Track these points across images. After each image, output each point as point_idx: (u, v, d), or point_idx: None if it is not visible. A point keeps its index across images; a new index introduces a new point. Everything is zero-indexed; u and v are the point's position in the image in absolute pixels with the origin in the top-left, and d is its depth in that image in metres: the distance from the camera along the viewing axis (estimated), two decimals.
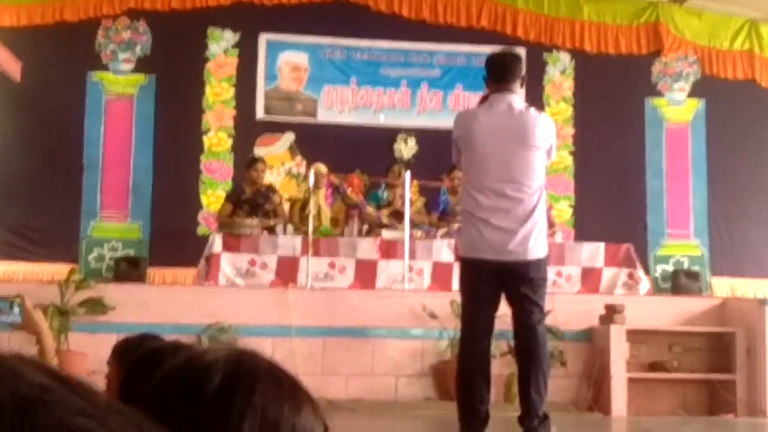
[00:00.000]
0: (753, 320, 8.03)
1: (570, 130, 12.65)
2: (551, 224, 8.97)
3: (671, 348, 8.20)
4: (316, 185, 10.10)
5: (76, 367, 7.52)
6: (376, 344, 8.11)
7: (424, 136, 12.29)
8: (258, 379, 1.18)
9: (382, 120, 12.44)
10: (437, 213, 10.56)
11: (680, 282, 11.58)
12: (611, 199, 12.33)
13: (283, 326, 8.00)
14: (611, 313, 8.08)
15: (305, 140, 12.21)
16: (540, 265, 5.62)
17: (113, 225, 11.81)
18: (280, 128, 12.31)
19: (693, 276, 11.80)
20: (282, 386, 1.20)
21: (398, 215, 9.92)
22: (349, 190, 10.55)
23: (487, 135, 5.60)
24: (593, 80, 12.74)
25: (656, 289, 11.66)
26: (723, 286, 12.18)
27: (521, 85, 5.83)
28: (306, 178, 10.66)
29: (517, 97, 5.74)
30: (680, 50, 12.92)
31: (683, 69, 12.95)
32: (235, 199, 10.47)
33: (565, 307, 8.11)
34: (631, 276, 9.66)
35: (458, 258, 6.10)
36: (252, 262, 9.24)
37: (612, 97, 12.66)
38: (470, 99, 12.11)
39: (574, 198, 12.58)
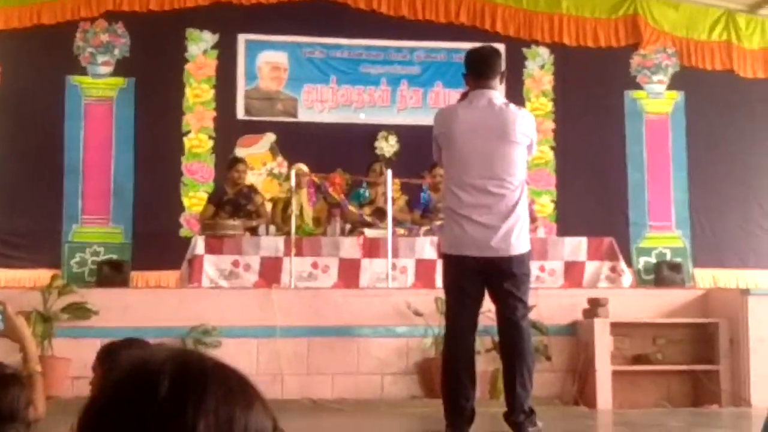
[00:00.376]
0: (735, 310, 8.06)
1: (550, 125, 12.68)
2: (533, 219, 8.98)
3: (655, 340, 8.22)
4: (298, 185, 10.09)
5: (60, 373, 7.50)
6: (361, 343, 8.10)
7: (404, 133, 12.29)
8: (207, 380, 1.18)
9: (363, 118, 12.43)
10: (419, 210, 10.56)
11: (663, 274, 11.62)
12: (593, 193, 12.36)
13: (267, 327, 7.99)
14: (595, 306, 8.09)
15: (286, 140, 12.19)
16: (523, 260, 5.64)
17: (95, 229, 11.76)
18: (260, 128, 12.29)
19: (675, 268, 11.84)
20: (232, 385, 1.19)
21: (380, 213, 9.91)
22: (330, 190, 10.54)
23: (467, 132, 5.60)
24: (573, 74, 12.77)
25: (639, 282, 11.70)
26: (705, 277, 12.24)
27: (501, 81, 5.85)
28: (288, 178, 10.65)
29: (497, 93, 5.76)
30: (659, 42, 12.96)
31: (662, 61, 12.98)
32: (217, 200, 10.45)
33: (549, 301, 8.14)
34: (613, 269, 9.69)
35: (441, 255, 6.10)
36: (235, 264, 9.23)
37: (592, 91, 12.69)
38: (450, 96, 12.11)
39: (556, 192, 12.60)
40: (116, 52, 12.07)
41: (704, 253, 12.50)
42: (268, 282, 9.03)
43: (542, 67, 12.87)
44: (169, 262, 10.58)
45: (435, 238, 9.37)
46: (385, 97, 12.60)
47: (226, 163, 10.98)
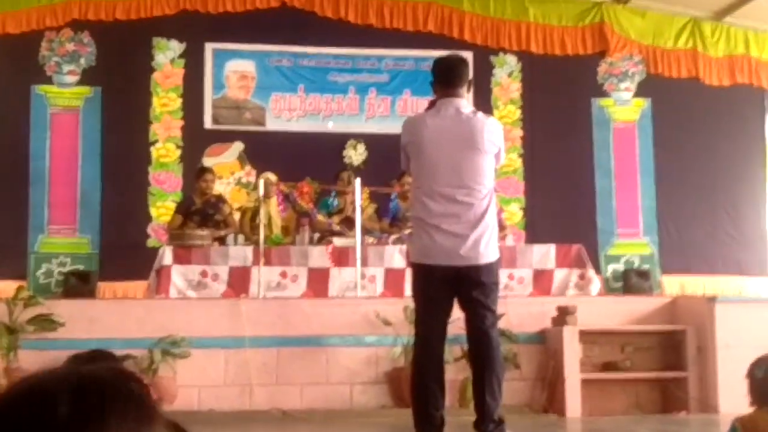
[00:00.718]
0: (702, 318, 8.09)
1: (519, 132, 12.71)
2: (502, 227, 8.99)
3: (623, 348, 8.24)
4: (266, 194, 10.04)
5: None
6: (330, 353, 8.06)
7: (373, 141, 12.28)
8: (106, 398, 1.13)
9: (331, 127, 12.41)
10: (388, 219, 10.55)
11: (631, 281, 11.67)
12: (561, 200, 12.39)
13: (236, 337, 7.94)
14: (563, 314, 8.10)
15: (254, 149, 12.16)
16: (492, 268, 5.63)
17: (61, 239, 11.67)
18: (228, 137, 12.24)
19: (643, 275, 11.89)
20: (132, 401, 1.15)
21: (349, 222, 9.90)
22: (299, 199, 10.50)
23: (435, 140, 5.60)
24: (540, 82, 12.81)
25: (608, 289, 11.74)
26: (673, 284, 12.29)
27: (468, 89, 5.85)
28: (256, 187, 10.61)
29: (465, 101, 5.77)
30: (625, 50, 13.02)
31: (629, 69, 13.05)
32: (184, 210, 10.39)
33: (518, 309, 8.14)
34: (582, 276, 9.71)
35: (410, 264, 6.09)
36: (203, 274, 9.18)
37: (559, 98, 12.74)
38: (418, 104, 12.12)
39: (525, 200, 12.64)
40: (82, 61, 11.99)
41: (672, 259, 12.56)
42: (236, 292, 8.99)
43: (510, 74, 12.90)
44: (136, 272, 10.51)
45: (404, 247, 9.36)
46: (353, 105, 12.59)
47: (194, 172, 10.92)
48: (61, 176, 11.76)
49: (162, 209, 11.77)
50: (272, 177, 10.39)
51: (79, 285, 10.62)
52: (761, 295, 11.82)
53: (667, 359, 8.29)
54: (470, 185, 5.56)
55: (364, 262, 9.25)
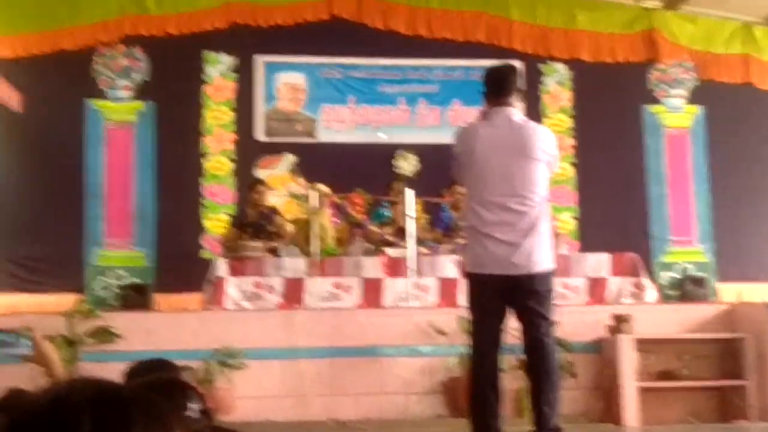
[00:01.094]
0: (762, 325, 8.01)
1: (570, 141, 12.65)
2: (555, 236, 8.95)
3: (680, 356, 8.17)
4: (319, 205, 10.08)
5: None
6: (384, 363, 8.08)
7: (423, 152, 12.29)
8: (129, 412, 1.13)
9: (382, 137, 12.44)
10: (441, 229, 10.54)
11: (687, 289, 11.54)
12: (614, 209, 12.32)
13: (291, 348, 7.99)
14: (619, 323, 8.06)
15: (306, 161, 12.21)
16: (546, 277, 5.61)
17: (118, 253, 11.79)
18: (280, 149, 12.31)
19: (699, 282, 11.75)
20: (153, 413, 1.15)
21: (402, 232, 9.90)
22: (351, 210, 10.53)
23: (488, 149, 5.60)
24: (591, 90, 12.75)
25: (663, 297, 11.62)
26: (729, 292, 12.12)
27: (520, 99, 5.84)
28: (308, 198, 10.66)
29: (516, 110, 5.75)
30: (676, 56, 12.92)
31: (680, 75, 12.95)
32: (239, 222, 10.47)
33: (573, 318, 8.09)
34: (637, 285, 9.62)
35: (464, 274, 6.08)
36: (258, 285, 9.22)
37: (610, 106, 12.67)
38: (468, 113, 12.10)
39: (577, 209, 12.57)
40: (135, 76, 12.12)
41: (728, 267, 12.41)
42: (290, 303, 9.03)
43: (560, 83, 12.86)
44: (191, 284, 10.57)
45: (457, 257, 9.35)
46: (403, 116, 12.61)
47: (246, 184, 10.99)
48: (116, 190, 11.90)
49: (215, 221, 11.86)
50: (324, 188, 10.43)
51: (135, 297, 10.71)
52: None
53: (725, 367, 8.21)
54: (523, 194, 5.55)
55: (418, 272, 9.25)
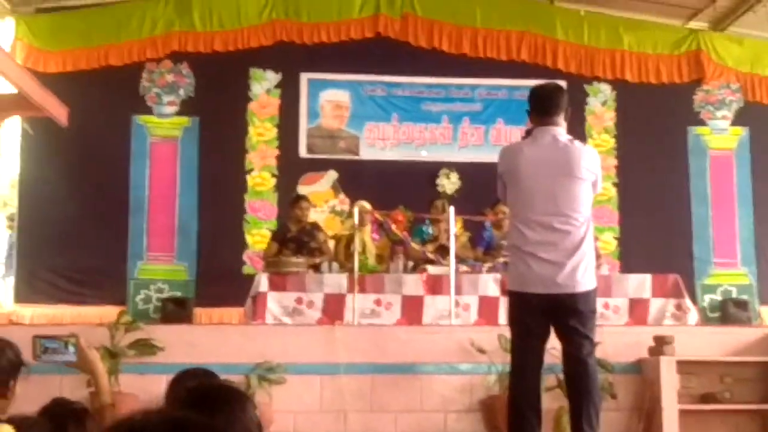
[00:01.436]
0: None
1: (613, 161, 12.61)
2: (597, 256, 8.92)
3: (723, 378, 8.10)
4: (361, 222, 10.11)
5: (127, 408, 7.56)
6: (424, 380, 8.08)
7: (466, 170, 12.30)
8: None
9: (424, 155, 12.46)
10: (482, 247, 10.53)
11: (729, 311, 11.46)
12: (656, 230, 12.26)
13: (331, 364, 8.00)
14: (660, 344, 8.01)
15: (348, 177, 12.26)
16: (589, 297, 5.60)
17: (160, 266, 11.89)
18: (322, 166, 12.37)
19: (742, 305, 11.66)
20: None
21: (443, 250, 9.89)
22: (393, 227, 10.54)
23: (532, 168, 5.60)
24: (635, 110, 12.70)
25: (704, 319, 11.55)
26: None
27: (566, 118, 5.84)
28: (350, 215, 10.70)
29: (561, 129, 5.75)
30: (722, 78, 12.86)
31: (726, 97, 12.88)
32: (280, 237, 10.51)
33: (614, 338, 8.05)
34: (679, 306, 9.55)
35: (507, 292, 6.08)
36: (298, 301, 9.25)
37: (654, 127, 12.62)
38: (512, 133, 12.13)
39: (619, 229, 12.52)
40: (181, 92, 12.25)
41: None
42: (331, 319, 9.05)
43: (604, 103, 12.83)
44: (231, 299, 10.64)
45: (498, 275, 9.35)
46: (446, 134, 12.63)
47: (289, 200, 11.04)
48: (159, 204, 12.00)
49: (257, 237, 11.93)
50: (366, 205, 10.45)
51: (176, 311, 10.79)
52: None
53: None
54: (567, 213, 5.54)
55: (458, 291, 9.24)
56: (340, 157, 12.42)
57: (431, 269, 9.65)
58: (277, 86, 12.43)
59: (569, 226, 5.51)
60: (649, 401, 7.89)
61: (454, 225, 9.60)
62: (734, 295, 12.25)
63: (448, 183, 12.39)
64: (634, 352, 8.20)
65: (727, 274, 12.47)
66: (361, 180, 12.00)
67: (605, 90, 12.84)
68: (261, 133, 12.31)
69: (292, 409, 7.87)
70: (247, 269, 11.76)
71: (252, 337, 8.29)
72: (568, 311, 5.52)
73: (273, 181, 12.24)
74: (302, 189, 12.04)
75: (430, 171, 12.42)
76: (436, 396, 8.04)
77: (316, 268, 9.81)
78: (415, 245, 10.26)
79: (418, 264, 9.90)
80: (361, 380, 8.03)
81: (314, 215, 11.44)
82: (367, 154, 12.47)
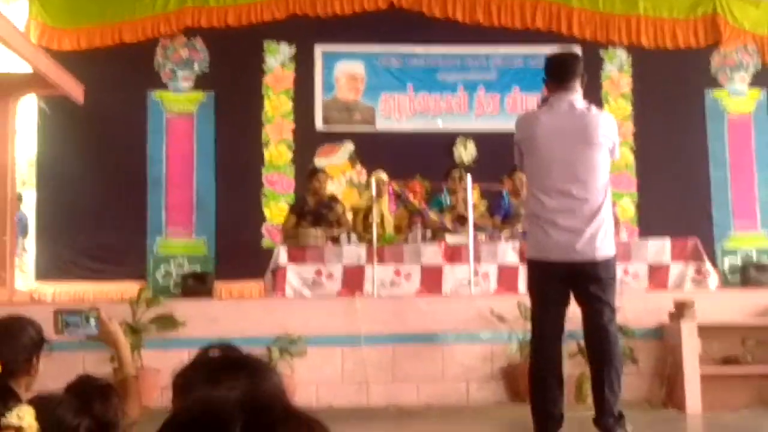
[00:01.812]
0: None
1: (630, 127, 12.56)
2: (616, 222, 8.89)
3: (744, 342, 8.08)
4: (378, 193, 10.11)
5: (149, 383, 7.61)
6: (445, 349, 8.10)
7: (482, 139, 12.28)
8: (277, 421, 1.16)
9: (441, 125, 12.44)
10: (500, 216, 10.52)
11: (749, 274, 11.43)
12: (674, 194, 12.22)
13: (352, 335, 8.03)
14: (681, 309, 7.98)
15: (365, 149, 12.25)
16: (609, 263, 5.60)
17: (179, 241, 11.94)
18: (339, 138, 12.36)
19: (762, 268, 11.63)
20: (300, 422, 1.16)
21: (461, 219, 9.90)
22: (411, 197, 10.54)
23: (549, 136, 5.59)
24: (651, 75, 12.64)
25: (725, 282, 11.52)
26: None
27: (582, 85, 5.82)
28: (367, 186, 10.70)
29: (578, 96, 5.74)
30: (739, 40, 12.77)
31: (743, 59, 12.80)
32: (298, 210, 10.52)
33: (634, 304, 8.04)
34: (699, 270, 9.53)
35: (526, 260, 6.08)
36: (318, 273, 9.28)
37: (671, 92, 12.55)
38: (527, 100, 12.11)
39: (637, 195, 12.49)
40: (196, 67, 12.25)
41: None
42: (351, 290, 9.07)
43: (620, 69, 12.76)
44: (251, 272, 10.69)
45: (517, 244, 9.34)
46: (462, 103, 12.60)
47: (306, 173, 11.05)
48: (177, 179, 12.04)
49: (275, 210, 11.96)
50: (384, 176, 10.45)
51: (196, 285, 10.84)
52: None
53: None
54: (585, 180, 5.54)
55: (477, 259, 9.25)
56: (356, 128, 12.41)
57: (449, 238, 9.64)
58: (291, 59, 12.41)
59: (587, 193, 5.51)
60: (670, 366, 7.89)
61: (471, 194, 9.59)
62: (754, 257, 12.23)
63: (465, 152, 12.38)
64: (655, 317, 8.20)
65: (747, 237, 12.43)
66: (378, 151, 11.98)
67: (621, 55, 12.77)
68: (276, 106, 12.31)
69: (314, 381, 7.91)
70: (266, 242, 11.80)
71: (272, 310, 8.32)
72: (588, 278, 5.53)
73: (290, 154, 12.25)
74: (319, 161, 12.05)
75: (446, 140, 12.40)
76: (458, 365, 8.07)
77: (335, 240, 9.83)
78: (432, 215, 10.26)
79: (437, 234, 9.90)
80: (382, 351, 8.06)
81: (332, 187, 11.46)
82: (383, 125, 12.46)
